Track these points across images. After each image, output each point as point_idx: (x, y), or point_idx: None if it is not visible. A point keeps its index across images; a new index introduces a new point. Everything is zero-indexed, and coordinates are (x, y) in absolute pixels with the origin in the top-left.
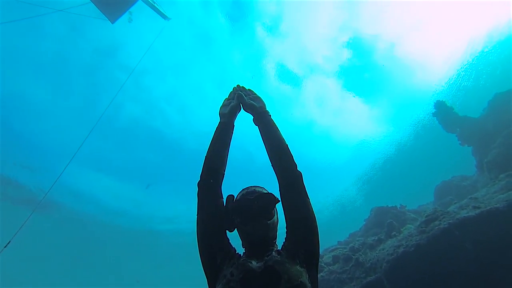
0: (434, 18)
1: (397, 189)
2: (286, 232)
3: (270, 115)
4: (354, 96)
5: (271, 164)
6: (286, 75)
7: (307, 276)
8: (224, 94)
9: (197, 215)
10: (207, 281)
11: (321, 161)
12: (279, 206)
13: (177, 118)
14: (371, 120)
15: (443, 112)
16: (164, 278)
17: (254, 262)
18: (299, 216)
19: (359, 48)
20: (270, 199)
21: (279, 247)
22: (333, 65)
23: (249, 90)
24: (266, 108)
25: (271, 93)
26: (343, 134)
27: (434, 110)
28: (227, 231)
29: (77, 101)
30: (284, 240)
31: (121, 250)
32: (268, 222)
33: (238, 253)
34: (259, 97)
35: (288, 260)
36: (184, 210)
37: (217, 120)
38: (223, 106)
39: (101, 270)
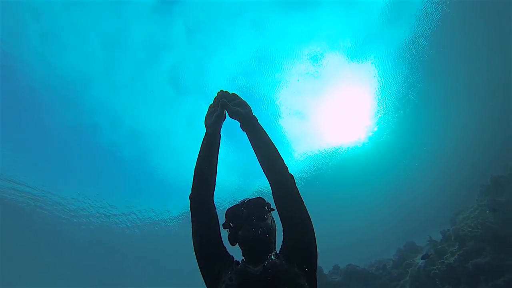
0: (319, 108)
1: None
2: (283, 236)
3: (257, 120)
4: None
5: (262, 170)
6: (176, 83)
7: (305, 279)
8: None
9: (192, 227)
10: None
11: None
12: (275, 213)
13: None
14: (223, 164)
15: None
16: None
17: (252, 267)
18: (294, 219)
19: (246, 98)
20: (258, 201)
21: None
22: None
23: (233, 94)
24: (252, 113)
25: (155, 94)
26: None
27: None
28: (230, 244)
29: None
30: (281, 244)
31: None
32: (260, 223)
33: (237, 260)
34: (245, 102)
35: (286, 263)
36: None
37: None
38: (208, 114)
39: None
